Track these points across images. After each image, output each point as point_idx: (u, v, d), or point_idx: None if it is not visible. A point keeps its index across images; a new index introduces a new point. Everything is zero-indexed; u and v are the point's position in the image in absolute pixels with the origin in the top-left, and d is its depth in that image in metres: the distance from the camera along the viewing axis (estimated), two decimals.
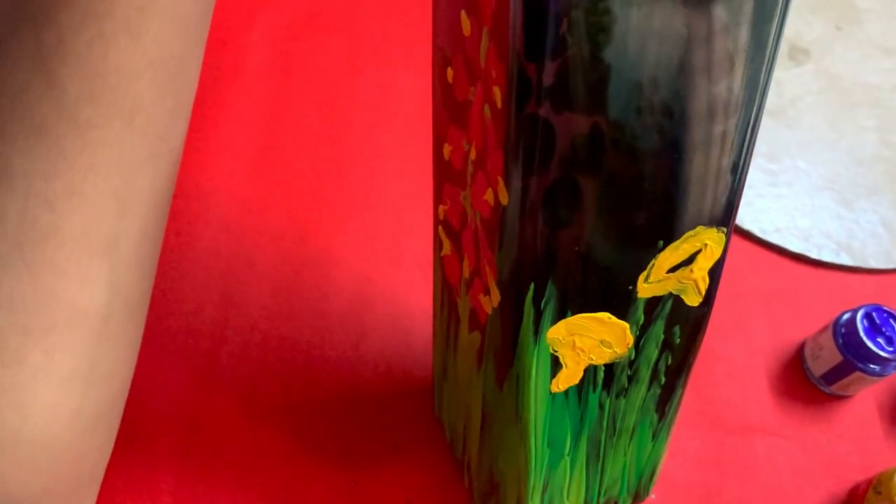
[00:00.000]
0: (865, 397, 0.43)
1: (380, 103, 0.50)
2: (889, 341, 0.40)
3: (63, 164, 0.23)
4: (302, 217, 0.45)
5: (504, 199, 0.23)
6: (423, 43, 0.52)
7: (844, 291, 0.46)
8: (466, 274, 0.28)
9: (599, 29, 0.20)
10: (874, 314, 0.41)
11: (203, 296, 0.41)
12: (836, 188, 0.48)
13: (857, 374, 0.41)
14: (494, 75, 0.22)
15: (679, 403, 0.30)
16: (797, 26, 0.54)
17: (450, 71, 0.26)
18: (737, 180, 0.24)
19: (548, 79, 0.20)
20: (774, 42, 0.22)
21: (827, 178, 0.48)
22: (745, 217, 0.47)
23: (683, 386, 0.29)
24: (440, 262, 0.32)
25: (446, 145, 0.28)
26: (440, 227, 0.31)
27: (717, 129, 0.23)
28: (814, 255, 0.46)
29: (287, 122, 0.48)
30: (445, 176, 0.29)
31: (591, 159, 0.22)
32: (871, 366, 0.40)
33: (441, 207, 0.30)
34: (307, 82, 0.50)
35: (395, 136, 0.48)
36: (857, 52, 0.54)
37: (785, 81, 0.52)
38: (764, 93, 0.23)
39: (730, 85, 0.22)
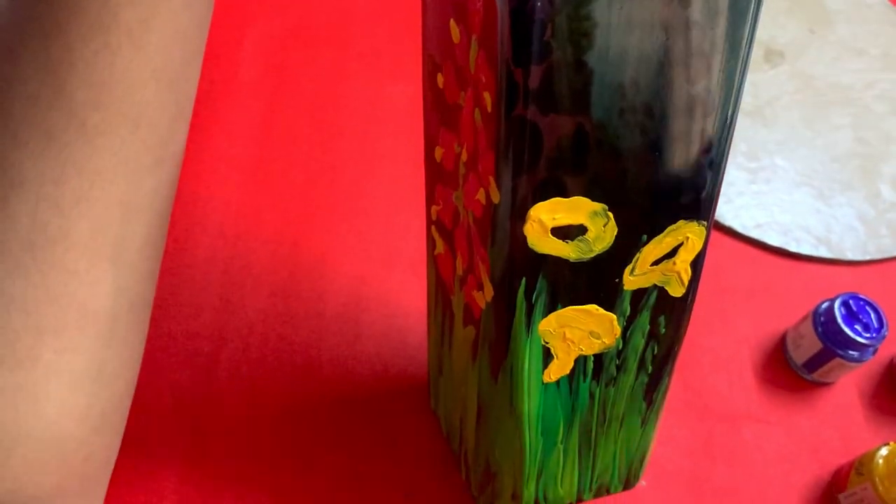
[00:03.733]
0: (846, 383, 0.44)
1: (369, 110, 0.51)
2: (866, 328, 0.42)
3: (72, 169, 0.24)
4: (296, 222, 0.46)
5: (496, 199, 0.24)
6: (411, 51, 0.53)
7: (823, 282, 0.47)
8: (460, 271, 0.30)
9: (581, 34, 0.21)
10: (851, 302, 0.42)
11: (202, 300, 0.42)
12: (814, 184, 0.50)
13: (837, 360, 0.42)
14: (484, 81, 0.23)
15: (666, 391, 0.31)
16: (772, 30, 0.56)
17: (440, 77, 0.27)
18: (716, 176, 0.26)
19: (534, 82, 0.22)
20: (747, 44, 0.23)
21: (804, 175, 0.50)
22: (727, 214, 0.48)
23: (670, 374, 0.31)
24: (434, 261, 0.33)
25: (438, 148, 0.29)
26: (433, 227, 0.32)
27: (696, 127, 0.24)
28: (793, 248, 0.47)
29: (280, 130, 0.49)
30: (437, 177, 0.30)
31: (576, 159, 0.24)
32: (850, 352, 0.42)
33: (434, 208, 0.31)
34: (298, 92, 0.51)
35: (385, 141, 0.50)
36: (829, 54, 0.56)
37: (762, 83, 0.54)
38: (739, 92, 0.24)
39: (707, 85, 0.24)
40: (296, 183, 0.47)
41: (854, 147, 0.52)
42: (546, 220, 0.24)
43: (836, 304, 0.42)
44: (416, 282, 0.44)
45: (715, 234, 0.48)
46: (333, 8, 0.56)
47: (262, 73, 0.52)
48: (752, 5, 0.22)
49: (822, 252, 0.47)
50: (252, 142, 0.49)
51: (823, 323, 0.42)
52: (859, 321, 0.42)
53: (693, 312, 0.30)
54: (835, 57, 0.55)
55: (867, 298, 0.42)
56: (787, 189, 0.49)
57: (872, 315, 0.42)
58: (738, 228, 0.48)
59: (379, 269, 0.44)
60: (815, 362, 0.43)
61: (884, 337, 0.41)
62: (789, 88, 0.54)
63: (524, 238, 0.24)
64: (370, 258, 0.45)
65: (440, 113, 0.28)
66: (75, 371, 0.26)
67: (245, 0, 0.55)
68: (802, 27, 0.57)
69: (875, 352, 0.42)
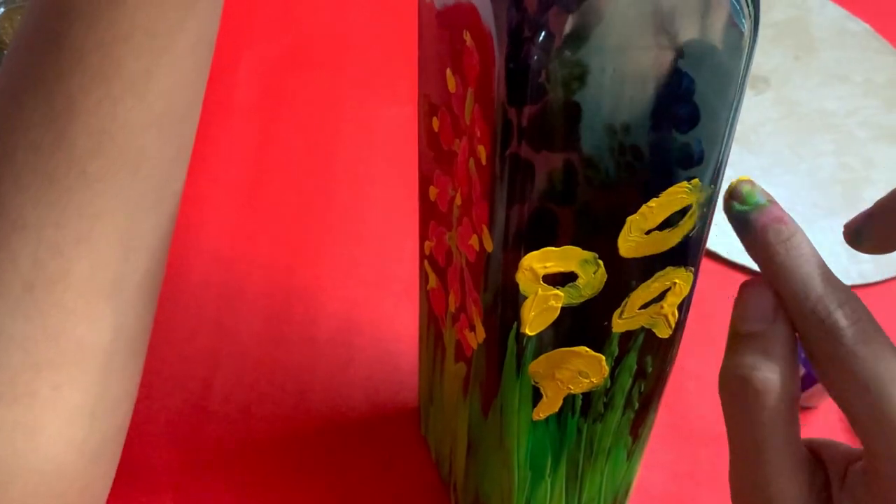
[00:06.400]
0: (829, 408, 0.45)
1: (364, 134, 0.52)
2: None
3: (72, 212, 0.25)
4: (291, 247, 0.46)
5: (489, 248, 0.25)
6: (406, 76, 0.54)
7: None
8: (452, 308, 0.30)
9: (574, 78, 0.22)
10: None
11: (196, 324, 0.43)
12: (798, 210, 0.50)
13: (820, 385, 0.43)
14: (479, 135, 0.24)
15: (651, 426, 0.32)
16: (757, 57, 0.57)
17: (435, 120, 0.28)
18: (703, 223, 0.26)
19: (527, 121, 0.22)
20: (736, 101, 0.24)
21: (788, 200, 0.51)
22: (713, 239, 0.49)
23: (655, 410, 0.32)
24: (426, 295, 0.33)
25: (432, 187, 0.30)
26: (426, 262, 0.33)
27: (683, 175, 0.25)
28: None
29: (274, 155, 0.50)
30: (431, 215, 0.31)
31: (566, 195, 0.24)
32: None
33: (427, 243, 0.32)
34: (293, 117, 0.52)
35: (380, 166, 0.50)
36: (814, 80, 0.57)
37: (747, 109, 0.55)
38: (728, 143, 0.25)
39: (696, 136, 0.24)
40: (290, 207, 0.48)
41: (837, 173, 0.53)
42: (538, 268, 0.25)
43: None
44: (408, 306, 0.44)
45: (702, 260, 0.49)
46: (329, 32, 0.56)
47: (257, 97, 0.52)
48: (741, 70, 0.23)
49: None
50: (247, 166, 0.49)
51: None
52: None
53: None
54: (819, 83, 0.57)
55: None
56: None
57: None
58: (724, 254, 0.49)
59: (372, 294, 0.45)
60: None
61: None
62: (774, 115, 0.55)
63: (516, 284, 0.25)
64: (363, 282, 0.45)
65: (435, 153, 0.29)
66: (73, 406, 0.27)
67: (240, 24, 0.56)
68: (787, 54, 0.58)
69: None
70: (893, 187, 0.25)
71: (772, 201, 0.24)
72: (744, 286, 0.24)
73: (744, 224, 0.24)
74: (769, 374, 0.22)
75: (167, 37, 0.24)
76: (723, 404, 0.24)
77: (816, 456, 0.24)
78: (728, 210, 0.24)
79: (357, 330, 0.44)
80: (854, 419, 0.22)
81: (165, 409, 0.41)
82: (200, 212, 0.47)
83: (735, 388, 0.23)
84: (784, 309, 0.23)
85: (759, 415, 0.23)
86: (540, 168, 0.23)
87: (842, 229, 0.53)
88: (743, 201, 0.24)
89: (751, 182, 0.24)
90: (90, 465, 0.28)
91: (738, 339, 0.24)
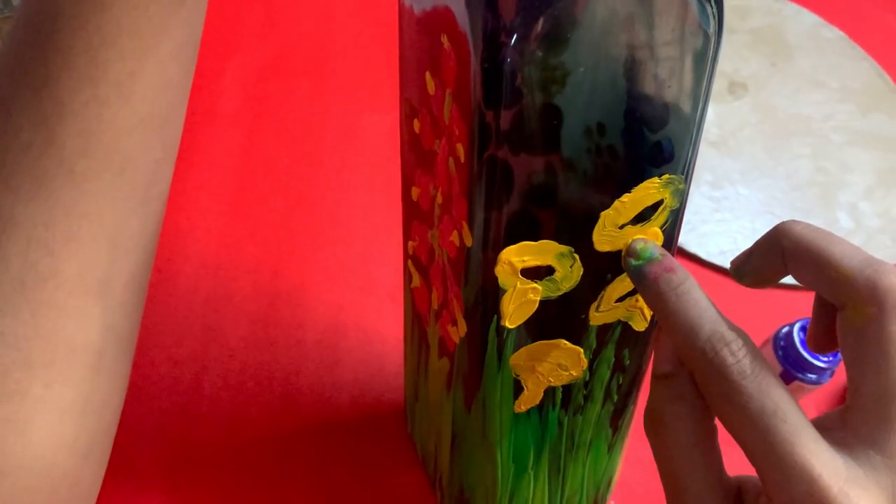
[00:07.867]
0: (806, 405, 0.46)
1: (348, 141, 0.52)
2: None
3: (61, 212, 0.26)
4: (276, 251, 0.47)
5: (468, 242, 0.26)
6: (389, 82, 0.55)
7: (783, 307, 0.49)
8: (435, 305, 0.31)
9: (550, 81, 0.23)
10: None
11: (184, 328, 0.43)
12: (775, 212, 0.52)
13: (797, 383, 0.44)
14: (457, 133, 0.25)
15: (631, 418, 0.33)
16: (735, 63, 0.58)
17: (416, 122, 0.29)
18: (676, 218, 0.27)
19: (505, 124, 0.23)
20: (703, 99, 0.25)
21: (766, 203, 0.52)
22: (691, 241, 0.50)
23: (635, 402, 0.32)
24: (410, 294, 0.34)
25: (414, 188, 0.31)
26: (410, 261, 0.33)
27: (657, 172, 0.26)
28: None
29: (260, 162, 0.51)
30: (414, 215, 0.32)
31: (545, 196, 0.25)
32: (809, 375, 0.43)
33: (410, 243, 0.33)
34: (278, 124, 0.52)
35: (363, 172, 0.51)
36: (791, 86, 0.58)
37: (726, 114, 0.56)
38: (697, 140, 0.26)
39: (667, 134, 0.25)
40: (276, 212, 0.49)
41: (813, 176, 0.54)
42: (516, 262, 0.26)
43: (795, 329, 0.44)
44: (393, 309, 0.45)
45: (680, 261, 0.49)
46: (312, 40, 0.57)
47: (242, 104, 0.53)
48: (709, 61, 0.24)
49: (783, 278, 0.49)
50: (232, 172, 0.50)
51: (783, 347, 0.44)
52: None
53: None
54: (795, 89, 0.58)
55: None
56: (749, 217, 0.51)
57: None
58: (703, 255, 0.50)
59: (357, 297, 0.46)
60: None
61: (840, 360, 0.43)
62: (752, 119, 0.56)
63: (495, 279, 0.26)
64: (349, 286, 0.46)
65: (416, 154, 0.30)
66: (63, 403, 0.27)
67: (225, 32, 0.57)
68: (765, 60, 0.59)
69: (832, 374, 0.44)
70: (789, 220, 0.26)
71: (664, 254, 0.26)
72: (658, 331, 0.26)
73: (639, 277, 0.26)
74: (679, 409, 0.24)
75: (152, 40, 0.25)
76: (648, 440, 0.25)
77: (741, 488, 0.25)
78: (626, 267, 0.26)
79: (343, 333, 0.44)
80: (747, 453, 0.22)
81: (154, 412, 0.41)
82: (188, 218, 0.48)
83: (651, 425, 0.25)
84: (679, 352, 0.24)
85: (673, 449, 0.24)
86: (518, 170, 0.24)
87: None
88: (637, 256, 0.26)
89: (644, 239, 0.26)
90: (81, 462, 0.28)
91: (654, 380, 0.25)
